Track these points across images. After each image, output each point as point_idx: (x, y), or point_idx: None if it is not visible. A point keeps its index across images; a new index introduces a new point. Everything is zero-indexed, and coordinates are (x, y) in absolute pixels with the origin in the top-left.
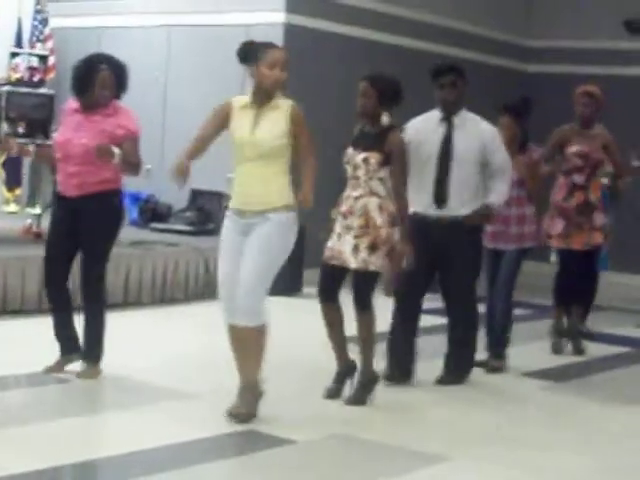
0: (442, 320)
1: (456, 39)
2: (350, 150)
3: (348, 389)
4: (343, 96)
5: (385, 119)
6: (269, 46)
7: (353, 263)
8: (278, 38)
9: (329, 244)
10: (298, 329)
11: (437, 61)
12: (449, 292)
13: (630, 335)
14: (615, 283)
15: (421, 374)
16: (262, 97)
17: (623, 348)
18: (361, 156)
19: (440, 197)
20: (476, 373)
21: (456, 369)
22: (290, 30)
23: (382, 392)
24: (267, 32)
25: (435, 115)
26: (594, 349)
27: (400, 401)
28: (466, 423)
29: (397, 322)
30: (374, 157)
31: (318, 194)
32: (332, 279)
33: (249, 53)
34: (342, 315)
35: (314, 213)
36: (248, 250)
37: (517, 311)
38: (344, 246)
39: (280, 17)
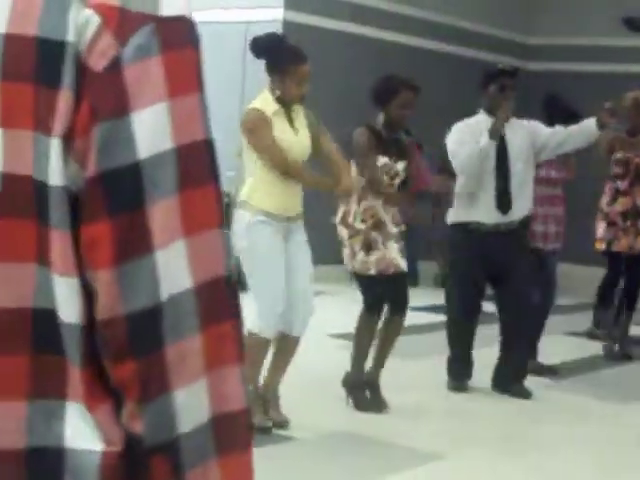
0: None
1: (456, 36)
2: (385, 159)
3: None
4: (342, 93)
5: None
6: (298, 60)
7: (403, 266)
8: None
9: (375, 256)
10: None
11: (433, 57)
12: (509, 300)
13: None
14: None
15: (422, 372)
16: (287, 103)
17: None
18: (402, 165)
19: (504, 203)
20: (478, 370)
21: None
22: (289, 27)
23: (384, 393)
24: (266, 29)
25: (483, 120)
26: (599, 346)
27: (403, 400)
28: (469, 421)
29: (454, 333)
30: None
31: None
32: (383, 291)
33: (274, 55)
34: None
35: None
36: (301, 257)
37: None
38: (393, 253)
39: (279, 14)
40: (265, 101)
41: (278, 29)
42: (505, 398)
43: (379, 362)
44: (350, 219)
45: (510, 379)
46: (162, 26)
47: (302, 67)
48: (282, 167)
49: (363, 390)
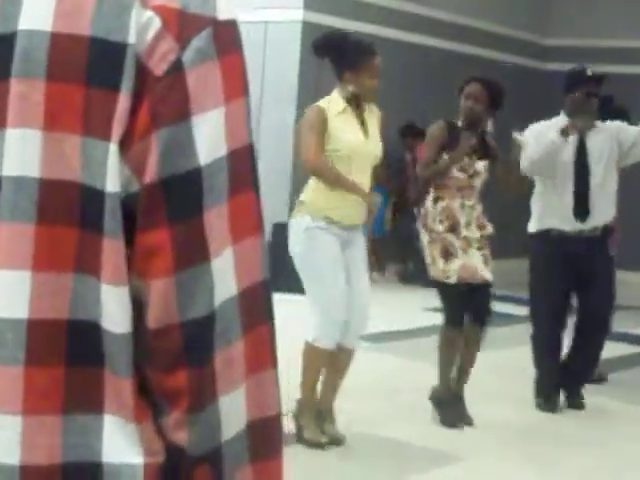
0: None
1: (473, 37)
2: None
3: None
4: None
5: (490, 125)
6: (369, 53)
7: (489, 276)
8: (296, 36)
9: (456, 263)
10: None
11: (450, 58)
12: (590, 308)
13: None
14: (631, 282)
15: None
16: (358, 102)
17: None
18: (482, 163)
19: (582, 209)
20: (491, 373)
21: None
22: (308, 28)
23: (405, 394)
24: (285, 30)
25: (562, 122)
26: (613, 349)
27: (422, 401)
28: (487, 424)
29: (541, 348)
30: (489, 164)
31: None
32: (464, 301)
33: (345, 51)
34: None
35: None
36: (359, 268)
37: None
38: (474, 260)
39: (299, 14)
40: (332, 100)
41: (297, 30)
42: (527, 401)
43: (461, 376)
44: (428, 220)
45: (570, 387)
46: (219, 30)
47: (375, 60)
48: (310, 165)
49: (450, 406)
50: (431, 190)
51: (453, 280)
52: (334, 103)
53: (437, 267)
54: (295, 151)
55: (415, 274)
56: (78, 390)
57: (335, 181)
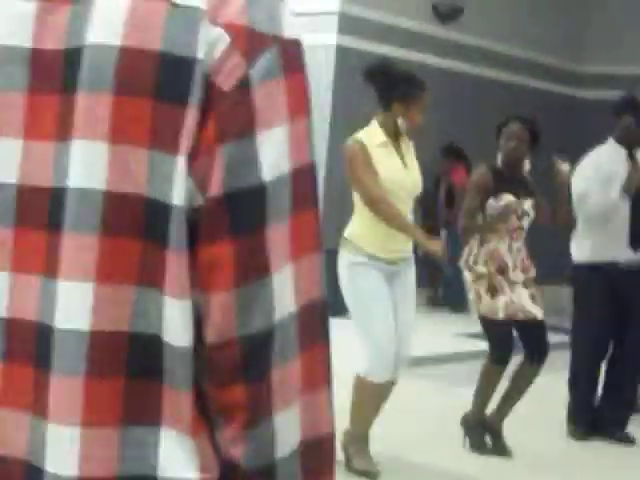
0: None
1: (503, 62)
2: (509, 197)
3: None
4: None
5: (527, 164)
6: (421, 87)
7: (539, 313)
8: (330, 60)
9: (503, 298)
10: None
11: (483, 84)
12: (633, 341)
13: None
14: None
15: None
16: (397, 134)
17: None
18: (529, 203)
19: (638, 239)
20: (524, 399)
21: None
22: (342, 52)
23: (436, 419)
24: (320, 54)
25: (615, 150)
26: None
27: (453, 427)
28: (519, 451)
29: (577, 376)
30: (535, 203)
31: None
32: (510, 338)
33: (397, 83)
34: None
35: None
36: (408, 301)
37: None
38: (522, 299)
39: (332, 39)
40: (371, 132)
41: (331, 54)
42: (552, 427)
43: (504, 409)
44: (471, 262)
45: (614, 423)
46: (285, 48)
47: (425, 95)
48: (372, 203)
49: (481, 432)
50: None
51: (501, 316)
52: (374, 135)
53: (483, 303)
54: (354, 187)
55: (444, 298)
56: (137, 403)
57: (393, 216)
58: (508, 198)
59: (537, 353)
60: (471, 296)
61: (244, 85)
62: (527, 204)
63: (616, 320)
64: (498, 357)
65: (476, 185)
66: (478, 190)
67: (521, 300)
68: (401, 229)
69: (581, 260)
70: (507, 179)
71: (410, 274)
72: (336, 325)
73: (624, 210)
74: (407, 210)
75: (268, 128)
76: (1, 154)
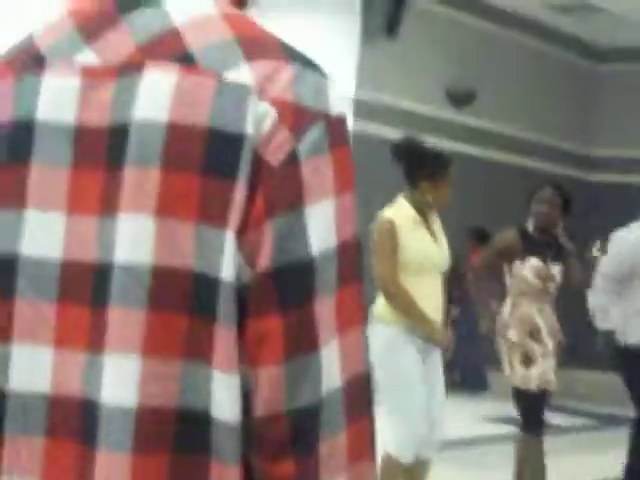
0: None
1: (516, 146)
2: (535, 261)
3: None
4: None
5: (560, 229)
6: (448, 166)
7: (555, 386)
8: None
9: (538, 369)
10: None
11: (496, 167)
12: None
13: None
14: None
15: None
16: (425, 210)
17: None
18: (557, 268)
19: None
20: None
21: None
22: (357, 137)
23: None
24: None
25: None
26: None
27: None
28: None
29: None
30: (564, 268)
31: None
32: (542, 407)
33: (426, 160)
34: None
35: None
36: (439, 378)
37: (581, 420)
38: (549, 367)
39: (348, 124)
40: (400, 208)
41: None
42: None
43: None
44: (504, 329)
45: None
46: (331, 123)
47: (450, 171)
48: (386, 286)
49: None
50: (509, 297)
51: (533, 387)
52: (403, 212)
53: (516, 374)
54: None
55: (463, 382)
56: (183, 478)
57: (408, 309)
58: (534, 262)
59: (530, 424)
60: (505, 365)
61: (292, 160)
62: (555, 269)
63: None
64: (532, 425)
65: (498, 245)
66: (499, 251)
67: (548, 368)
68: (414, 318)
69: (634, 342)
70: (536, 243)
71: (438, 353)
72: None
73: None
74: (437, 285)
75: (316, 203)
76: (45, 229)
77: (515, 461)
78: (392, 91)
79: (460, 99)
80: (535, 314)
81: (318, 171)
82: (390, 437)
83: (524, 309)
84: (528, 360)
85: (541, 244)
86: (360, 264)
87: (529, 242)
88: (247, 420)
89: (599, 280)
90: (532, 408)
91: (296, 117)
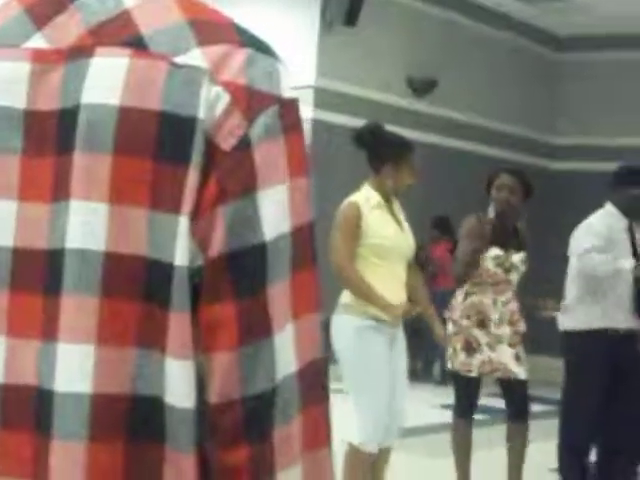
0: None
1: (477, 134)
2: (497, 250)
3: None
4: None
5: (521, 217)
6: (410, 149)
7: (522, 374)
8: (306, 133)
9: (479, 357)
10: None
11: (457, 156)
12: (631, 412)
13: None
14: None
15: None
16: (388, 197)
17: None
18: (519, 257)
19: None
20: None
21: None
22: (318, 126)
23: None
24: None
25: (616, 219)
26: None
27: None
28: None
29: (571, 448)
30: (526, 257)
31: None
32: (475, 392)
33: (387, 144)
34: None
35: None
36: (403, 366)
37: (536, 407)
38: (503, 357)
39: (308, 112)
40: (367, 194)
41: (307, 128)
42: None
43: (514, 475)
44: (456, 314)
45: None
46: (284, 107)
47: (413, 156)
48: (339, 269)
49: None
50: (467, 285)
51: (474, 374)
52: (370, 198)
53: (458, 359)
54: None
55: (424, 371)
56: (138, 466)
57: (363, 292)
58: (495, 251)
59: (519, 412)
60: (449, 351)
61: (245, 144)
62: (516, 257)
63: (608, 388)
64: (461, 408)
65: (470, 233)
66: (472, 238)
67: (502, 358)
68: (371, 300)
69: (580, 327)
70: (497, 231)
71: (402, 341)
72: None
73: (627, 276)
74: (402, 271)
75: (269, 187)
76: None
77: (454, 447)
78: (352, 79)
79: (421, 87)
80: (489, 304)
81: (271, 155)
82: (355, 427)
83: (477, 298)
84: (470, 348)
85: (503, 233)
86: (315, 249)
87: (492, 229)
88: (202, 407)
89: (587, 255)
90: (466, 394)
91: (249, 101)
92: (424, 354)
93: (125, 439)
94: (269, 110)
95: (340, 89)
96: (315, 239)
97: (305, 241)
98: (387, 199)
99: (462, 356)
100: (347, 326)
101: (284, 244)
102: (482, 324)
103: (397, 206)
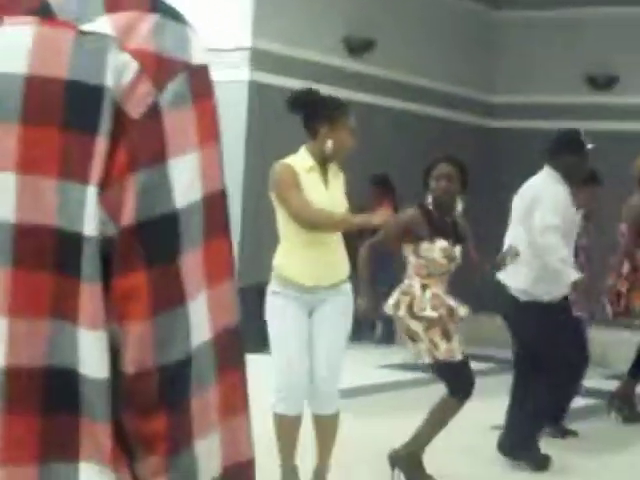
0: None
1: (415, 94)
2: (443, 242)
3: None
4: None
5: (460, 206)
6: (347, 110)
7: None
8: (243, 96)
9: (456, 342)
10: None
11: (395, 116)
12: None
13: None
14: None
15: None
16: (324, 161)
17: (592, 400)
18: (459, 249)
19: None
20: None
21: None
22: (255, 88)
23: (364, 452)
24: (232, 90)
25: (561, 189)
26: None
27: (381, 459)
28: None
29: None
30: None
31: None
32: (470, 371)
33: (321, 107)
34: None
35: None
36: (327, 330)
37: (484, 365)
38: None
39: (245, 74)
40: (298, 157)
41: (244, 90)
42: (475, 454)
43: (426, 440)
44: (418, 309)
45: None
46: (193, 74)
47: (351, 118)
48: (307, 220)
49: (414, 467)
50: (417, 278)
51: (459, 357)
52: (302, 160)
53: (441, 350)
54: (288, 212)
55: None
56: (54, 438)
57: (335, 224)
58: (442, 243)
59: (465, 390)
60: (422, 346)
61: (154, 112)
62: (457, 249)
63: None
64: (461, 391)
65: (400, 224)
66: (403, 228)
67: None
68: (340, 225)
69: (548, 298)
70: (439, 222)
71: (338, 303)
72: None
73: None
74: (328, 240)
75: (179, 155)
76: None
77: (430, 417)
78: (289, 40)
79: (359, 47)
80: (444, 295)
81: (181, 123)
82: (273, 390)
83: (433, 291)
84: (448, 335)
85: (444, 223)
86: (227, 217)
87: (433, 222)
88: (117, 377)
89: (551, 234)
90: (462, 375)
91: (158, 68)
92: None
93: (40, 411)
94: (178, 77)
95: (277, 50)
96: (228, 206)
97: (217, 208)
98: (323, 163)
99: (444, 345)
100: (268, 291)
101: (196, 212)
102: (450, 313)
103: (334, 171)
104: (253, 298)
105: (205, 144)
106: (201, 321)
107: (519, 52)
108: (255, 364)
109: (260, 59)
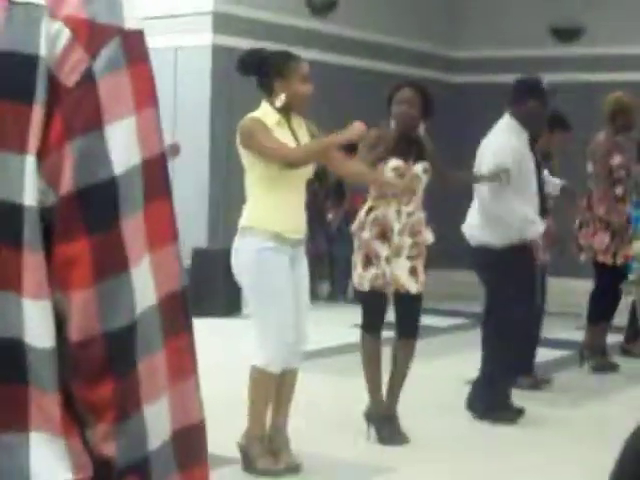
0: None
1: (379, 52)
2: (398, 161)
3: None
4: None
5: (422, 129)
6: (296, 59)
7: (414, 288)
8: (207, 60)
9: (373, 270)
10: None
11: (360, 75)
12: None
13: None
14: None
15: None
16: (288, 113)
17: (565, 352)
18: (421, 167)
19: (544, 208)
20: (420, 384)
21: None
22: (218, 51)
23: (335, 411)
24: (196, 54)
25: (517, 134)
26: (545, 354)
27: (354, 418)
28: (420, 436)
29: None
30: (429, 167)
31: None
32: (383, 309)
33: (269, 61)
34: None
35: None
36: (305, 285)
37: (454, 320)
38: (398, 270)
39: (208, 39)
40: (264, 112)
41: (207, 54)
42: (451, 408)
43: (392, 392)
44: (358, 228)
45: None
46: (127, 39)
47: (303, 64)
48: (290, 155)
49: (384, 423)
50: (368, 199)
51: (365, 288)
52: (267, 114)
53: (356, 273)
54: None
55: (335, 291)
56: (3, 408)
57: (318, 150)
58: (395, 162)
59: (406, 327)
60: (353, 266)
61: (88, 79)
62: (418, 167)
63: None
64: (367, 324)
65: (367, 142)
66: (370, 146)
67: (395, 271)
68: (324, 148)
69: (511, 241)
70: (397, 142)
71: (304, 260)
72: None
73: (533, 186)
74: (300, 195)
75: (115, 121)
76: None
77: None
78: (251, 2)
79: (321, 7)
80: (392, 216)
81: (116, 88)
82: (257, 349)
83: (380, 211)
84: (368, 262)
85: (403, 144)
86: (168, 180)
87: (392, 141)
88: (64, 345)
89: (503, 191)
90: (366, 306)
91: (90, 35)
92: (336, 275)
93: None
94: (111, 43)
95: (239, 13)
96: (167, 170)
97: (157, 172)
98: (286, 117)
99: (359, 270)
100: (248, 249)
101: (135, 177)
102: (383, 236)
103: (298, 122)
104: (222, 261)
105: (142, 108)
106: (145, 286)
107: (482, 6)
108: (226, 328)
109: (222, 23)
